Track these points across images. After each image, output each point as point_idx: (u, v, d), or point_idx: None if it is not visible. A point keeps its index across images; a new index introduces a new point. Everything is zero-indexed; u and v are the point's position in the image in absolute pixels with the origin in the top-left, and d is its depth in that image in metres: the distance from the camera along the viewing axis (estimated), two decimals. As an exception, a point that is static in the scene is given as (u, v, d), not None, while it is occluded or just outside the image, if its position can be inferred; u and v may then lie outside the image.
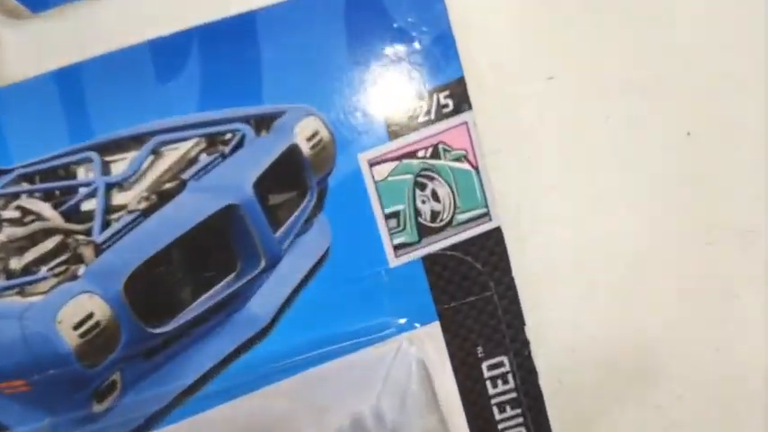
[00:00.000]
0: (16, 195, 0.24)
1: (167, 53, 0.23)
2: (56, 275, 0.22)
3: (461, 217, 0.24)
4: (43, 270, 0.22)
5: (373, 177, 0.23)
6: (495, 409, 0.25)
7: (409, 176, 0.24)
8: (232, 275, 0.23)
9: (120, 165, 0.23)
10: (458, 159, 0.24)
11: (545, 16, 0.30)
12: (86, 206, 0.23)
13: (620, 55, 0.33)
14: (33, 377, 0.23)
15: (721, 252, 0.33)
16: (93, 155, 0.23)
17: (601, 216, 0.31)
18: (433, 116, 0.23)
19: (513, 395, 0.25)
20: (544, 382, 0.26)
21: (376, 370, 0.26)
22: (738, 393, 0.36)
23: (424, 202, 0.24)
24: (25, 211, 0.23)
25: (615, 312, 0.31)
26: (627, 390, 0.33)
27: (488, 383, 0.25)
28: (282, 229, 0.23)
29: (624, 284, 0.31)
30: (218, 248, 0.23)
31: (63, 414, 0.24)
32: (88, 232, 0.22)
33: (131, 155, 0.23)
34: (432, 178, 0.24)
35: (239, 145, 0.23)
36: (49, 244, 0.23)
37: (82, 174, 0.23)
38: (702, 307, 0.33)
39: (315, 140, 0.23)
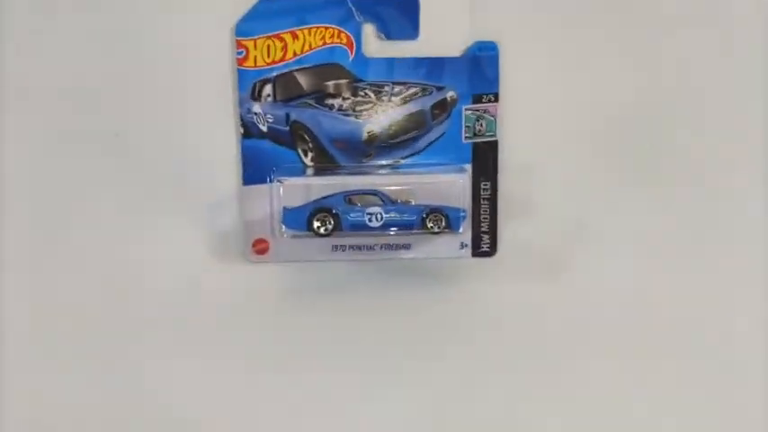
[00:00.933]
0: (364, 88, 0.57)
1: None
2: (366, 116, 0.57)
3: (488, 134, 0.58)
4: (364, 113, 0.57)
5: (464, 114, 0.57)
6: (482, 201, 0.58)
7: (475, 116, 0.57)
8: (416, 131, 0.58)
9: (397, 89, 0.57)
10: (491, 116, 0.57)
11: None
12: (383, 98, 0.57)
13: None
14: (349, 144, 0.58)
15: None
16: (390, 85, 0.56)
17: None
18: (486, 101, 0.57)
19: (488, 196, 0.58)
20: (500, 196, 0.58)
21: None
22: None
23: (477, 125, 0.57)
24: (366, 94, 0.57)
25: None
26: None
27: (482, 191, 0.58)
28: (435, 120, 0.58)
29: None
30: (414, 122, 0.58)
31: (354, 160, 0.59)
32: (381, 105, 0.57)
33: (400, 87, 0.57)
34: (482, 119, 0.57)
35: (430, 93, 0.57)
36: (368, 105, 0.56)
37: (386, 88, 0.57)
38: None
39: (451, 98, 0.57)
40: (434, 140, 0.59)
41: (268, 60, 0.56)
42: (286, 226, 0.56)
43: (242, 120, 0.57)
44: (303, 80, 0.57)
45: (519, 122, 0.58)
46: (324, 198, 0.56)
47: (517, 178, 0.58)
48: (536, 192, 0.59)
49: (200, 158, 0.58)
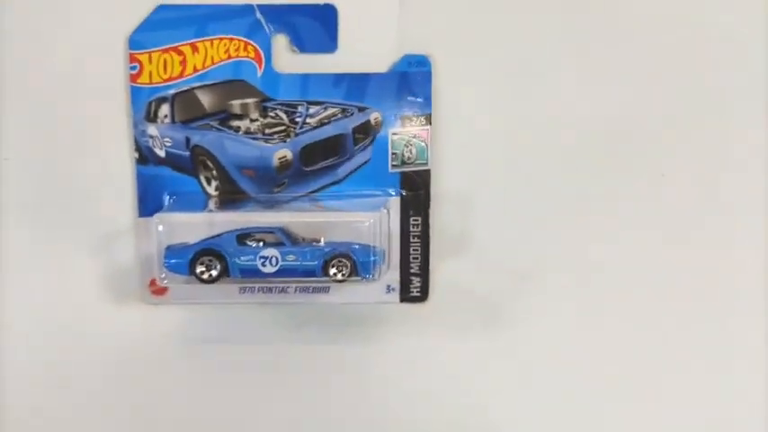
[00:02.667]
0: (274, 108, 0.52)
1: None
2: (278, 140, 0.52)
3: (418, 161, 0.53)
4: (275, 137, 0.52)
5: (391, 138, 0.52)
6: (412, 238, 0.53)
7: (404, 141, 0.52)
8: (335, 157, 0.53)
9: (313, 109, 0.51)
10: (422, 141, 0.52)
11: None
12: (297, 119, 0.51)
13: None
14: (258, 172, 0.52)
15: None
16: (304, 105, 0.51)
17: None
18: (416, 124, 0.52)
19: (419, 233, 0.53)
20: (432, 233, 0.53)
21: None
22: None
23: (406, 152, 0.53)
24: (276, 115, 0.51)
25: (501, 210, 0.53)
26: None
27: (411, 226, 0.53)
28: (358, 146, 0.52)
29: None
30: (332, 147, 0.53)
31: (264, 190, 0.53)
32: (294, 128, 0.52)
33: (317, 108, 0.51)
34: (410, 145, 0.52)
35: (351, 114, 0.51)
36: (280, 128, 0.52)
37: (300, 108, 0.51)
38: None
39: (376, 120, 0.52)
40: (357, 169, 0.54)
41: (165, 76, 0.51)
42: (168, 269, 0.51)
43: (136, 144, 0.53)
44: (205, 99, 0.52)
45: (454, 149, 0.53)
46: (212, 238, 0.51)
47: (453, 212, 0.54)
48: (474, 228, 0.54)
49: (91, 187, 0.54)
